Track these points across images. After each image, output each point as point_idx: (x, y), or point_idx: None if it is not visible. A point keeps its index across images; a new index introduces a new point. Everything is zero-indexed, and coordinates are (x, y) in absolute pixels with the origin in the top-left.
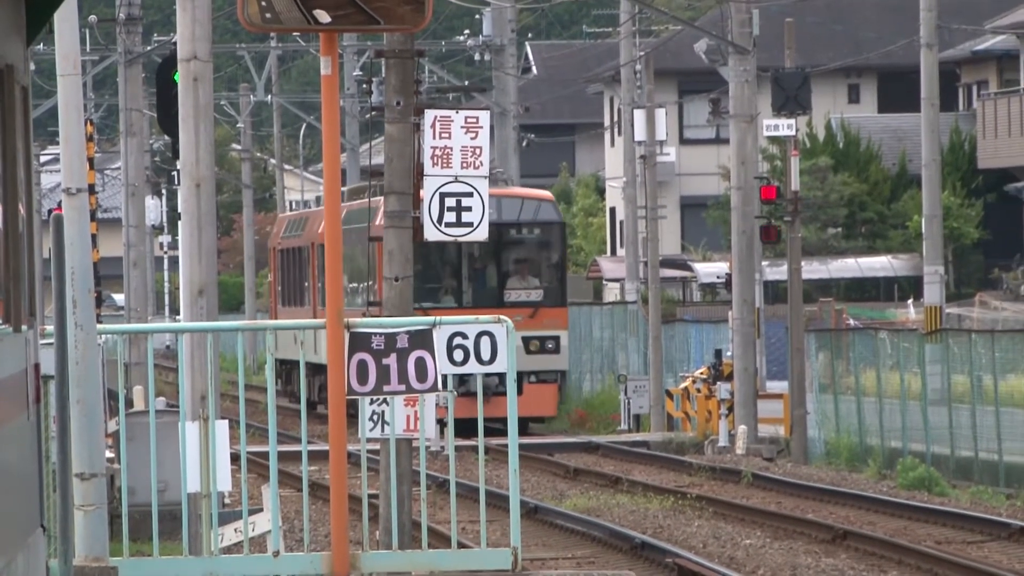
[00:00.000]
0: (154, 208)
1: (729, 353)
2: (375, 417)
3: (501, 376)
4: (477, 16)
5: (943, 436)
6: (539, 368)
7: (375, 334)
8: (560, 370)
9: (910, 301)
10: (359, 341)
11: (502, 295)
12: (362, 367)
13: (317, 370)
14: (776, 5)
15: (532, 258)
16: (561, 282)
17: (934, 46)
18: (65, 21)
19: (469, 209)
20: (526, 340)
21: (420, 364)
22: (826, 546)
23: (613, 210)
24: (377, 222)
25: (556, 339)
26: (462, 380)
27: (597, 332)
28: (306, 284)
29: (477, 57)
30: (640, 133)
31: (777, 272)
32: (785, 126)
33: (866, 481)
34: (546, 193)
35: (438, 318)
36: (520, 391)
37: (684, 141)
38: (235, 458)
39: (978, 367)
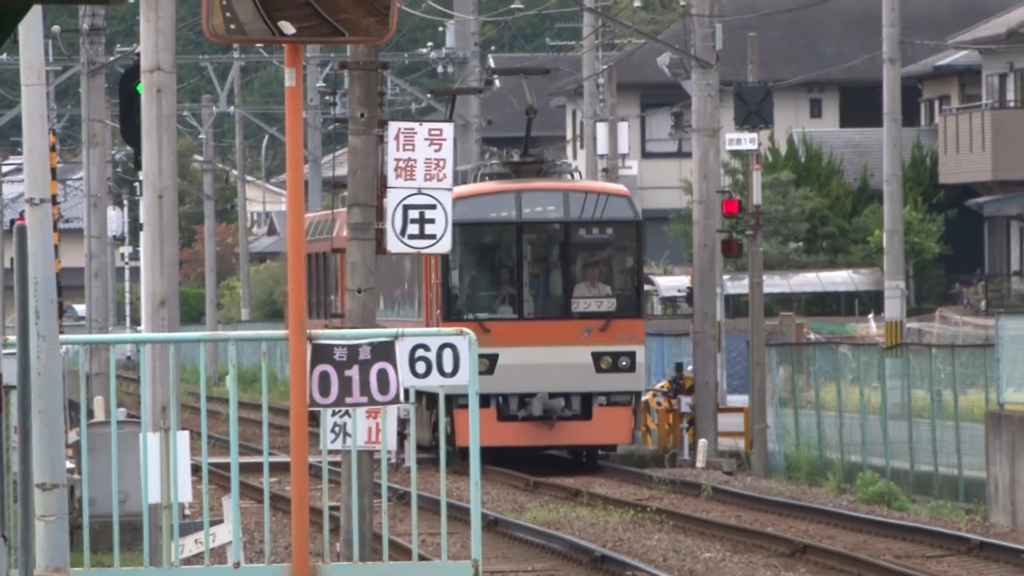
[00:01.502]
0: (116, 219)
1: (690, 367)
2: (337, 429)
3: (567, 399)
4: (440, 29)
5: (903, 451)
6: (611, 389)
7: (337, 346)
8: (635, 391)
9: (871, 315)
10: (321, 353)
11: (569, 305)
12: (324, 379)
13: None
14: (739, 20)
15: (604, 262)
16: (637, 290)
17: (896, 61)
18: (29, 31)
19: (432, 221)
20: (596, 356)
21: (382, 376)
22: (785, 560)
23: None
24: (335, 233)
25: (631, 355)
26: (522, 403)
27: None
28: (325, 290)
29: (440, 70)
30: (602, 146)
31: (738, 286)
32: (747, 140)
33: (826, 495)
34: (620, 187)
35: (400, 330)
36: (589, 415)
37: (646, 155)
38: (196, 469)
39: (938, 382)
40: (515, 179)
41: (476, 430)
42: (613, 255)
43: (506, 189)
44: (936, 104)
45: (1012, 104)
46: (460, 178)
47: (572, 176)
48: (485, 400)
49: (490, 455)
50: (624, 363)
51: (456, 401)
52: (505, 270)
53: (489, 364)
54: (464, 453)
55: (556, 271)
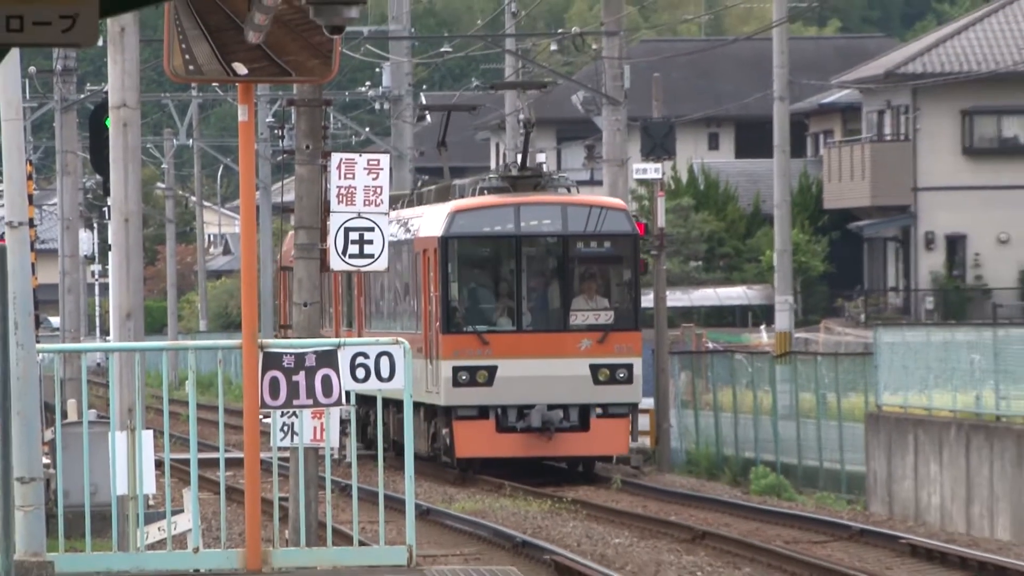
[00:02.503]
0: (87, 240)
1: None
2: (285, 428)
3: (566, 410)
4: (377, 70)
5: (791, 448)
6: (609, 400)
7: (285, 354)
8: (633, 403)
9: (762, 327)
10: (271, 360)
11: (567, 317)
12: (274, 383)
13: None
14: (645, 62)
15: (601, 275)
16: (635, 302)
17: (785, 99)
18: (8, 72)
19: (371, 242)
20: (594, 368)
21: (326, 381)
22: (687, 545)
23: None
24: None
25: (629, 367)
26: (521, 414)
27: None
28: (324, 303)
29: (378, 107)
30: None
31: (645, 300)
32: (652, 170)
33: (722, 487)
34: (618, 201)
35: (342, 340)
36: (587, 427)
37: None
38: (159, 464)
39: (823, 386)
40: (513, 193)
41: (411, 431)
42: (611, 268)
43: (505, 203)
44: (821, 137)
45: (889, 137)
46: (458, 192)
47: (569, 190)
48: (484, 411)
49: (488, 466)
50: (621, 375)
51: (455, 413)
52: (504, 283)
53: (488, 376)
54: (463, 465)
55: (554, 284)
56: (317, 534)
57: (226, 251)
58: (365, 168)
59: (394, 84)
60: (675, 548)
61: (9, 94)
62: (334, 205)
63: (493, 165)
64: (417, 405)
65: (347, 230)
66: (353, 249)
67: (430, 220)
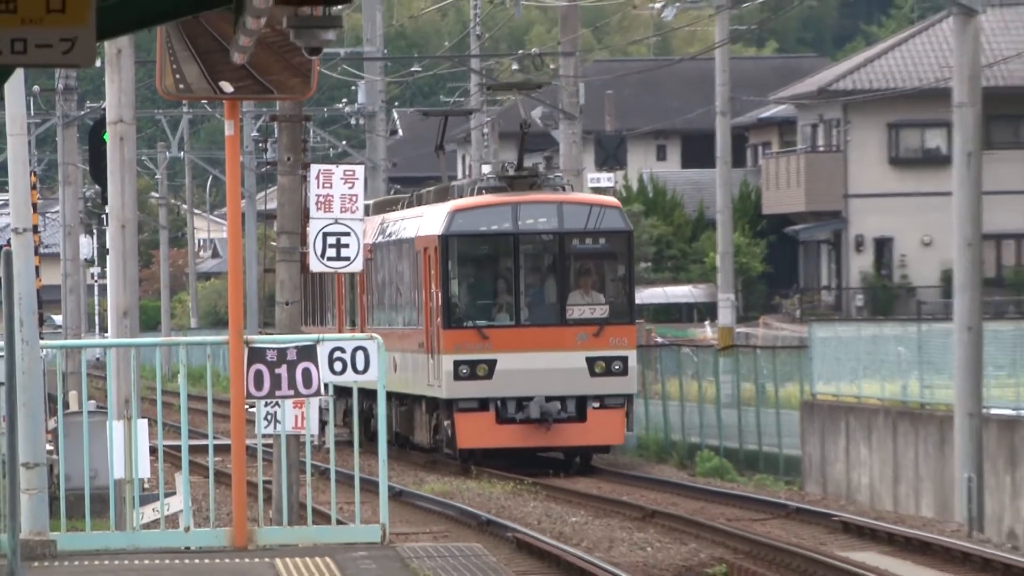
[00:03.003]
0: (87, 244)
1: None
2: (269, 417)
3: (563, 402)
4: (353, 87)
5: (734, 433)
6: (604, 392)
7: (269, 349)
8: (628, 394)
9: (707, 322)
10: (256, 355)
11: (564, 312)
12: (258, 376)
13: (338, 391)
14: (599, 80)
15: (597, 271)
16: (629, 297)
17: (727, 114)
18: (14, 90)
19: (347, 246)
20: (590, 361)
21: (306, 374)
22: (638, 523)
23: None
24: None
25: (624, 360)
26: (520, 406)
27: None
28: (329, 300)
29: (353, 122)
30: None
31: None
32: (605, 179)
33: (671, 470)
34: (612, 199)
35: (320, 336)
36: (584, 418)
37: None
38: (153, 450)
39: (762, 376)
40: (511, 192)
41: (383, 419)
42: (605, 264)
43: (503, 202)
44: (760, 149)
45: (822, 149)
46: (457, 192)
47: (564, 189)
48: (484, 404)
49: (488, 457)
50: (617, 367)
51: (456, 405)
52: (502, 279)
53: (488, 369)
54: (464, 455)
55: (551, 280)
56: (298, 514)
57: (215, 254)
58: (341, 178)
59: (368, 101)
60: (627, 525)
61: (14, 111)
62: (313, 212)
63: (460, 173)
64: (419, 398)
65: (325, 235)
66: (331, 252)
67: (430, 219)
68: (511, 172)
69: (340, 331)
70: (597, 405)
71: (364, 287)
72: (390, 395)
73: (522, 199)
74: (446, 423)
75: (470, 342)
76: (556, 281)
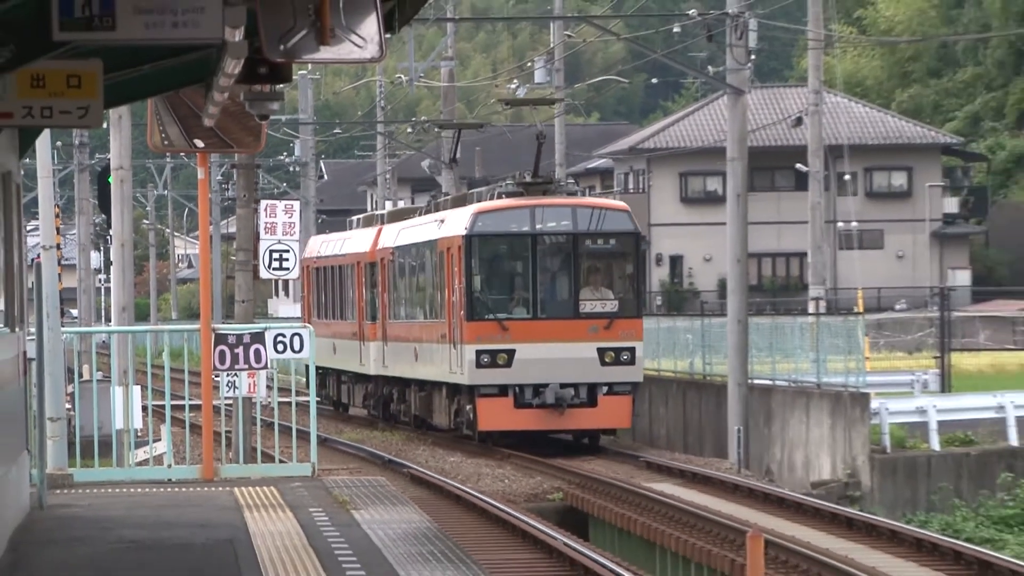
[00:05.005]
0: (96, 258)
1: None
2: (230, 384)
3: (576, 388)
4: (291, 144)
5: None
6: (614, 380)
7: (230, 334)
8: (635, 382)
9: None
10: (220, 338)
11: (577, 306)
12: (222, 354)
13: (358, 378)
14: (470, 137)
15: (607, 268)
16: (636, 293)
17: (563, 165)
18: (42, 144)
19: (287, 260)
20: (601, 352)
21: (257, 353)
22: (499, 462)
23: None
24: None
25: (631, 351)
26: (536, 392)
27: None
28: (348, 297)
29: (291, 169)
30: None
31: None
32: None
33: None
34: (622, 204)
35: (267, 325)
36: (595, 403)
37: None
38: (144, 408)
39: None
40: (526, 196)
41: (313, 389)
42: (615, 262)
43: (522, 205)
44: (587, 192)
45: (632, 191)
46: (476, 199)
47: (576, 194)
48: (504, 390)
49: (506, 438)
50: (625, 357)
51: (478, 391)
52: (521, 276)
53: (507, 358)
54: (483, 437)
55: (565, 276)
56: (251, 455)
57: (189, 265)
58: (283, 210)
59: (302, 154)
60: (491, 463)
61: (43, 159)
62: (263, 235)
63: (369, 209)
64: (439, 384)
65: (271, 251)
66: (275, 264)
67: (453, 222)
68: (528, 179)
69: (360, 326)
70: (606, 391)
71: (384, 285)
72: (411, 382)
73: (540, 202)
74: (468, 407)
75: (491, 333)
76: (570, 278)
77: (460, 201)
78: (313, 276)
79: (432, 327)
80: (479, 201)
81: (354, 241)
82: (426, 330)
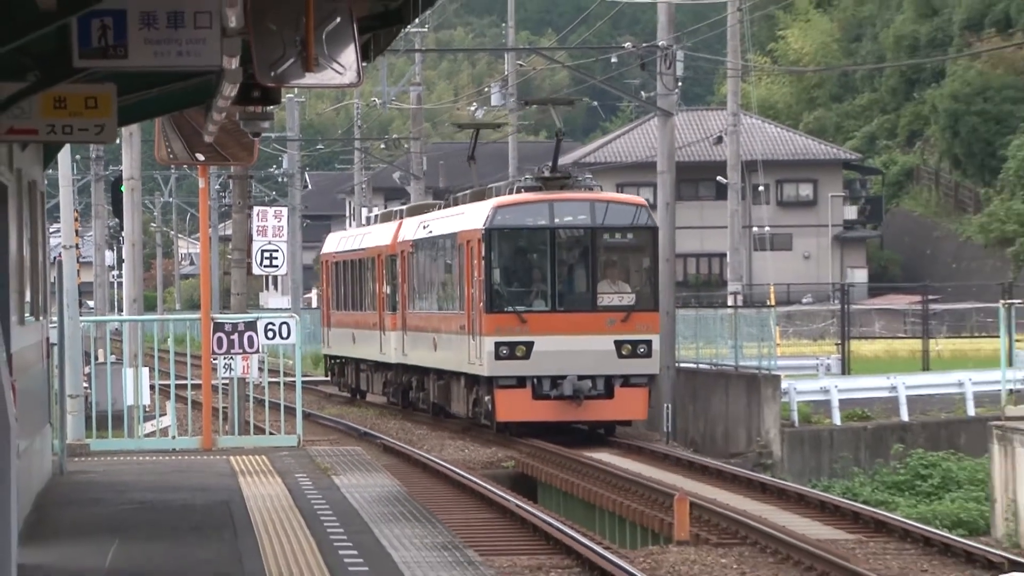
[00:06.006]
0: (110, 256)
1: None
2: (226, 366)
3: (593, 380)
4: (280, 157)
5: None
6: (631, 372)
7: (227, 322)
8: (651, 374)
9: None
10: (218, 327)
11: (595, 299)
12: (220, 340)
13: (377, 366)
14: (435, 154)
15: (625, 262)
16: (653, 286)
17: (516, 175)
18: (63, 157)
19: (276, 258)
20: (618, 344)
21: (251, 339)
22: (459, 434)
23: None
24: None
25: (648, 343)
26: (554, 384)
27: None
28: (368, 288)
29: (280, 179)
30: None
31: None
32: None
33: None
34: (639, 199)
35: (259, 315)
36: (611, 395)
37: None
38: (152, 387)
39: None
40: (544, 191)
41: (299, 364)
42: (632, 256)
43: (541, 199)
44: None
45: None
46: (495, 193)
47: (593, 189)
48: (522, 381)
49: (525, 428)
50: (642, 350)
51: (497, 382)
52: (539, 269)
53: (526, 350)
54: (501, 427)
55: (583, 270)
56: (244, 428)
57: (191, 263)
58: (273, 216)
59: (289, 166)
60: (453, 435)
61: (64, 171)
62: (255, 237)
63: (347, 213)
64: (457, 374)
65: (262, 251)
66: (266, 262)
67: (472, 216)
68: (546, 174)
69: (380, 316)
70: (624, 383)
71: (405, 276)
72: (430, 371)
73: (558, 197)
74: (486, 398)
75: (510, 325)
76: (588, 271)
77: (479, 196)
78: (332, 270)
79: (452, 318)
80: (498, 196)
81: (374, 236)
82: (445, 321)
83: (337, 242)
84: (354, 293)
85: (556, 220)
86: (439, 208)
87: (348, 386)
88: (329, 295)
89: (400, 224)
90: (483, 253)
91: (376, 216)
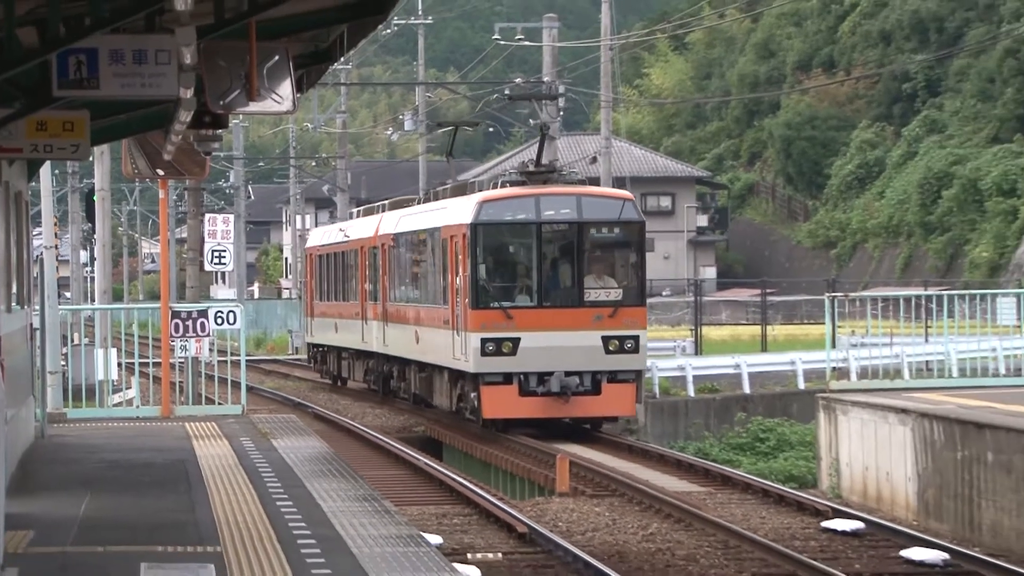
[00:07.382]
0: (83, 255)
1: None
2: (182, 347)
3: (580, 376)
4: (227, 172)
5: None
6: (618, 368)
7: (183, 310)
8: (638, 370)
9: None
10: (175, 314)
11: (581, 294)
12: (176, 325)
13: (359, 354)
14: (359, 169)
15: (612, 257)
16: (640, 281)
17: (425, 190)
18: (44, 171)
19: (225, 257)
20: (605, 340)
21: (203, 324)
22: (377, 405)
23: (287, 259)
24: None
25: (635, 339)
26: (541, 380)
27: (281, 310)
28: (351, 279)
29: (228, 191)
30: (299, 227)
31: None
32: None
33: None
34: (627, 193)
35: (209, 304)
36: (599, 391)
37: None
38: (120, 365)
39: None
40: (529, 185)
41: (243, 349)
42: (619, 251)
43: (527, 194)
44: None
45: None
46: (477, 188)
47: (581, 183)
48: (508, 378)
49: (509, 424)
50: (629, 345)
51: (483, 379)
52: (526, 264)
53: (512, 346)
54: (488, 424)
55: (570, 265)
56: (197, 399)
57: (153, 261)
58: (222, 221)
59: (235, 180)
60: (372, 404)
61: (45, 183)
62: (207, 239)
63: (283, 220)
64: (442, 369)
65: (213, 251)
66: (216, 260)
67: (456, 210)
68: (531, 168)
69: (362, 306)
70: (611, 379)
71: (386, 269)
72: (411, 362)
73: (544, 191)
74: (472, 394)
75: (496, 321)
76: (574, 266)
77: (460, 190)
78: (315, 263)
79: (434, 312)
80: (481, 191)
81: (356, 228)
82: (428, 314)
83: (320, 236)
84: (337, 284)
85: (543, 214)
86: (417, 203)
87: (330, 373)
88: (312, 287)
89: (381, 218)
90: (469, 248)
91: (359, 212)
